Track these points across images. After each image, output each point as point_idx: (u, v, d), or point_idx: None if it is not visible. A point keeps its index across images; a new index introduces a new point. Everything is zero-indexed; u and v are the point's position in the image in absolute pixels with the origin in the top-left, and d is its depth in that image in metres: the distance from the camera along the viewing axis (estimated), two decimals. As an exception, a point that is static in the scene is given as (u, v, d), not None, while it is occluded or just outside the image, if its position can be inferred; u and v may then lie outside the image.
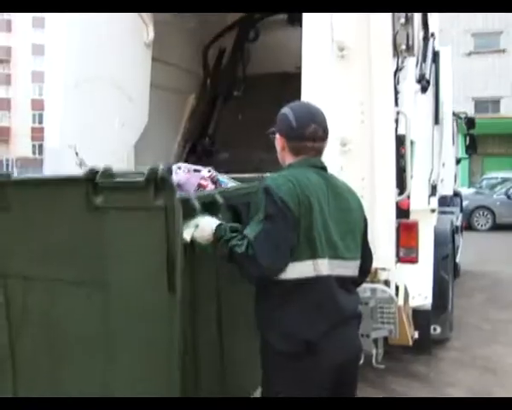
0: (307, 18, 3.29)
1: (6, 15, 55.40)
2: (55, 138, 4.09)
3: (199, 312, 2.39)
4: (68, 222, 2.36)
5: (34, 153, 47.56)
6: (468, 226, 16.80)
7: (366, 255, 2.55)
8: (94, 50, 4.29)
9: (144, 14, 4.76)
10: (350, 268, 2.38)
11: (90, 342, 2.37)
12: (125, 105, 4.62)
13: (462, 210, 10.05)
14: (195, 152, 5.91)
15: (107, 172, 2.24)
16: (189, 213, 2.28)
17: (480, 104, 27.74)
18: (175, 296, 2.14)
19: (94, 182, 2.23)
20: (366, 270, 2.60)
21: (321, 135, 2.42)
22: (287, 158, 2.48)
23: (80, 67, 4.23)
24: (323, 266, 2.26)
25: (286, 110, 2.48)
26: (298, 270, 2.24)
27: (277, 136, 2.50)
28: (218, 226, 2.29)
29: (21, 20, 53.71)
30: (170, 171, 2.29)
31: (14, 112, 55.23)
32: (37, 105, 45.09)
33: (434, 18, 5.73)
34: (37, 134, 41.87)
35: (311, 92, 3.22)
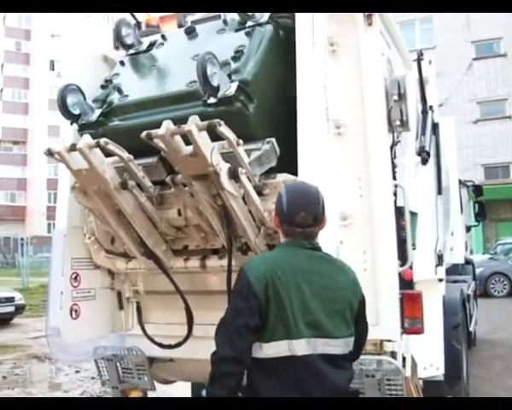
0: (302, 97, 3.43)
1: (23, 99, 57.42)
2: (63, 220, 4.23)
3: None
4: None
5: (49, 231, 48.23)
6: (485, 293, 16.62)
7: (362, 330, 2.58)
8: None
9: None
10: (339, 346, 2.40)
11: None
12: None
13: (474, 278, 9.98)
14: None
15: None
16: None
17: (490, 170, 27.91)
18: None
19: None
20: (360, 344, 2.62)
21: (310, 223, 2.46)
22: (280, 235, 2.57)
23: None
24: (299, 347, 2.30)
25: (282, 191, 2.56)
26: (274, 349, 2.31)
27: (273, 213, 2.59)
28: None
29: (38, 103, 55.62)
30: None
31: (29, 191, 56.43)
32: (53, 185, 46.07)
33: (432, 92, 5.90)
34: (53, 213, 42.55)
35: (309, 169, 3.32)
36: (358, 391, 2.55)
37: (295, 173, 3.53)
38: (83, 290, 4.05)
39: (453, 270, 7.65)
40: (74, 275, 4.02)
